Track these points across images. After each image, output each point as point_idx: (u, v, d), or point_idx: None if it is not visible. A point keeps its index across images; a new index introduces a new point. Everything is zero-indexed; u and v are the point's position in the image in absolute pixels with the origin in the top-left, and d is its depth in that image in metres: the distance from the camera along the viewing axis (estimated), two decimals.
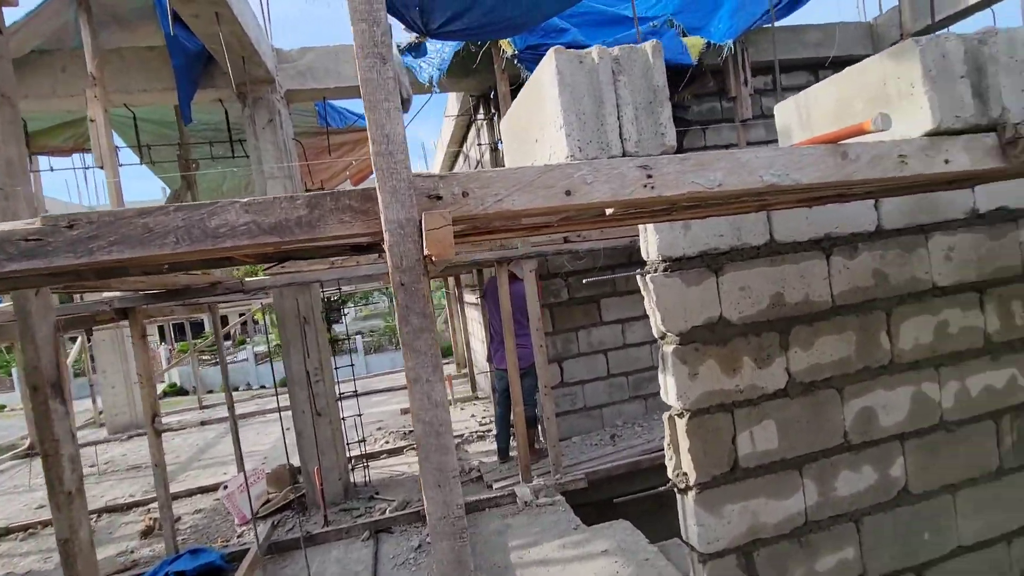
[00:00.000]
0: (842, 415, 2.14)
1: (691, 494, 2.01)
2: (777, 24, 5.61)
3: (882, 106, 1.32)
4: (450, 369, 10.87)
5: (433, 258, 0.87)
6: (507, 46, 3.82)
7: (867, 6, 4.18)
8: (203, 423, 9.00)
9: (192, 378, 14.81)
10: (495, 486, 4.40)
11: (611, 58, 1.08)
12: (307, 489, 4.57)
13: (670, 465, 2.08)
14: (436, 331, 0.93)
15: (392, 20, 3.41)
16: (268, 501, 4.78)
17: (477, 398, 8.06)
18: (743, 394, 2.03)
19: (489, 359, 5.12)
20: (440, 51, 3.98)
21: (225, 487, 4.59)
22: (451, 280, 9.61)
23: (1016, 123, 1.25)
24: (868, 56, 4.48)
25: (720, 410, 2.02)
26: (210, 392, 14.35)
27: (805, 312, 2.09)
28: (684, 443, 2.00)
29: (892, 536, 2.19)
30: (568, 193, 1.03)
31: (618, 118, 1.08)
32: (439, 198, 0.97)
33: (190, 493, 5.61)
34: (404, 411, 7.70)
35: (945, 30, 5.43)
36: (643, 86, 1.10)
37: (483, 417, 6.84)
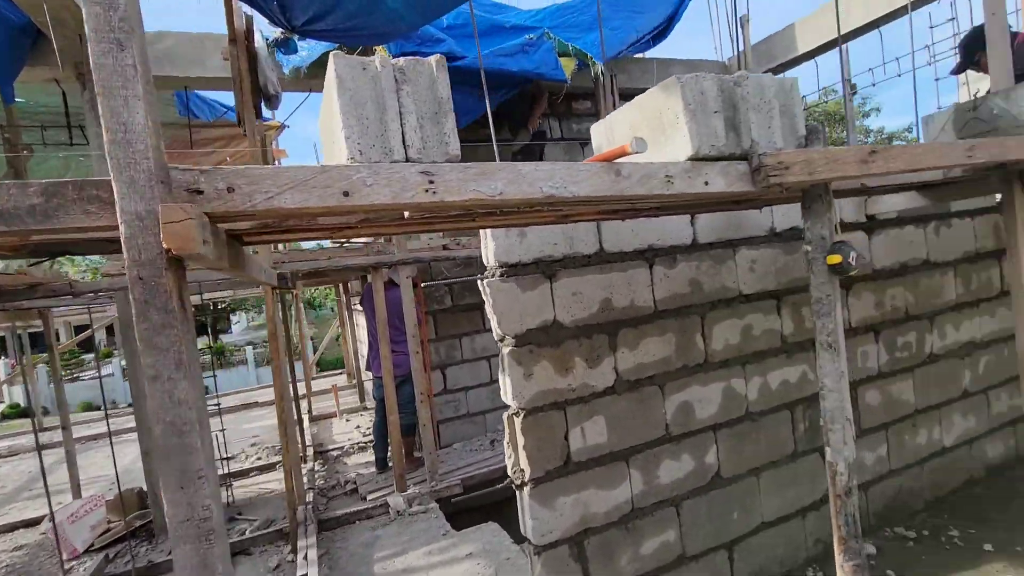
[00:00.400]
0: (664, 409, 2.36)
1: (527, 489, 2.11)
2: (647, 55, 6.14)
3: (660, 132, 1.50)
4: (341, 380, 10.43)
5: (174, 252, 0.85)
6: (382, 52, 3.81)
7: (723, 48, 4.68)
8: (41, 448, 7.85)
9: (40, 397, 12.85)
10: (369, 497, 4.29)
11: (396, 68, 1.13)
12: (155, 514, 4.14)
13: (510, 463, 2.17)
14: (186, 327, 0.91)
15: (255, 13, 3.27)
16: (108, 530, 4.26)
17: (366, 408, 7.80)
18: (575, 392, 2.18)
19: (368, 367, 5.00)
20: (311, 48, 3.87)
21: (52, 518, 4.02)
22: (341, 287, 9.26)
23: (761, 154, 1.48)
24: None
25: (553, 408, 2.14)
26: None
27: (631, 316, 2.29)
28: (520, 440, 2.10)
29: (707, 517, 2.45)
30: (346, 194, 1.05)
31: (401, 125, 1.13)
32: (200, 192, 0.95)
33: (12, 528, 4.84)
34: None
35: (782, 75, 6.24)
36: (429, 97, 1.17)
37: (367, 428, 6.63)
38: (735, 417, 2.52)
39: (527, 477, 2.10)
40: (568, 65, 4.49)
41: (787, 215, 2.64)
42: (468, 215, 1.42)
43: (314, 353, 13.75)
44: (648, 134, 1.54)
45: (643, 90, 1.59)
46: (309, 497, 4.17)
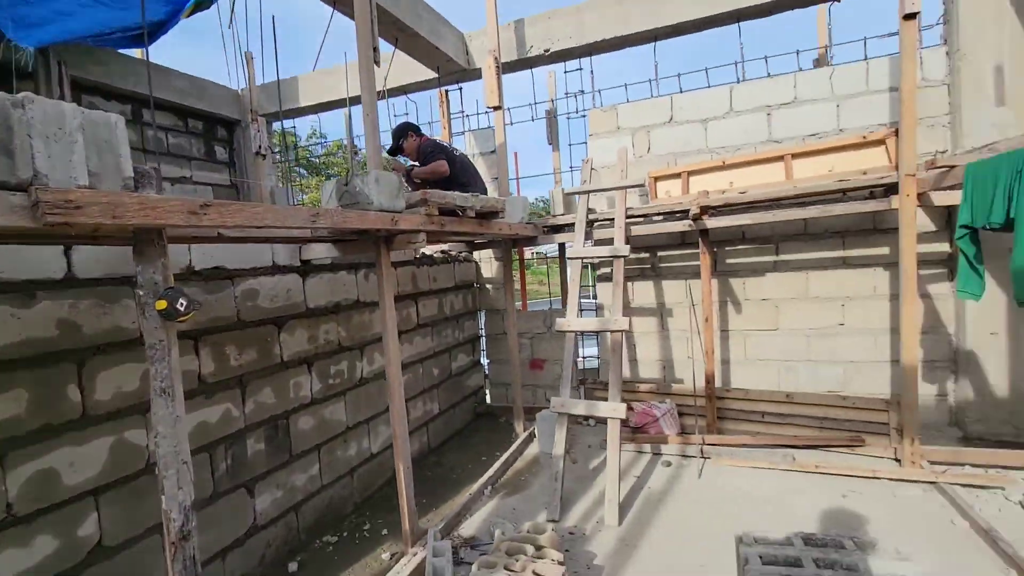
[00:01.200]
0: (4, 487, 1.87)
1: None
2: (144, 56, 5.35)
3: None
4: None
5: None
6: None
7: (239, 78, 4.49)
8: None
9: None
10: None
11: None
12: None
13: None
14: None
15: None
16: None
17: None
18: None
19: None
20: None
21: None
22: None
23: (38, 188, 1.32)
24: (234, 118, 4.63)
25: None
26: None
27: None
28: None
29: None
30: None
31: None
32: None
33: None
34: None
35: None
36: None
37: None
38: (131, 473, 2.27)
39: None
40: None
41: (208, 254, 2.64)
42: None
43: None
44: None
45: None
46: None
